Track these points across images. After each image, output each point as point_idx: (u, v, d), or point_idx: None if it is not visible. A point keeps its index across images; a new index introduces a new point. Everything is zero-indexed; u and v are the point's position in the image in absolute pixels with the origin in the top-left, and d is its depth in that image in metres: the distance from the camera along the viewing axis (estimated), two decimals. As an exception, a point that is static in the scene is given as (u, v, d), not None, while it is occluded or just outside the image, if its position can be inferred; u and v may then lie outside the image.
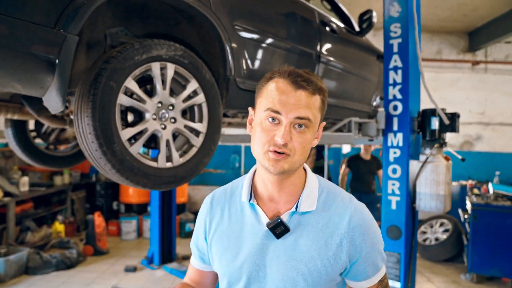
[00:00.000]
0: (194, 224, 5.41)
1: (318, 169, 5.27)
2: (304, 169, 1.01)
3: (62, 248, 4.69)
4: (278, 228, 0.93)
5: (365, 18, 3.21)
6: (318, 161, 5.55)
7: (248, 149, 7.20)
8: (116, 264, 4.59)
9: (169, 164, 1.70)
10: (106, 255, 4.93)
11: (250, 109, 1.00)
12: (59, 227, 5.29)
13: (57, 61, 1.34)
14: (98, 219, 4.92)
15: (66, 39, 1.35)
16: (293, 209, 0.95)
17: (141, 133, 1.64)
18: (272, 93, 0.90)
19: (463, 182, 5.97)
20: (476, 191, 5.03)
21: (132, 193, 6.06)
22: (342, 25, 3.09)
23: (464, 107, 7.10)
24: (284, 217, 0.95)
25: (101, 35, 1.80)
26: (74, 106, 1.54)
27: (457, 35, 7.33)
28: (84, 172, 6.30)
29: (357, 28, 3.28)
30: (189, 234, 5.93)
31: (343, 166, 5.23)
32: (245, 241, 0.97)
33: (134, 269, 4.34)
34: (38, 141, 2.82)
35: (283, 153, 0.88)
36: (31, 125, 2.77)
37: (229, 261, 0.98)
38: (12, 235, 4.56)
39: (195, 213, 6.36)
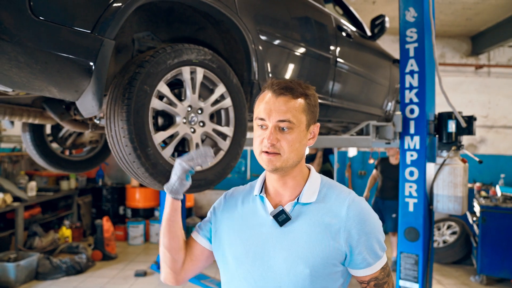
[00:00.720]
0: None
1: (324, 173, 5.27)
2: (309, 169, 1.14)
3: (71, 253, 4.67)
4: (281, 216, 1.04)
5: (377, 23, 3.24)
6: (324, 164, 5.56)
7: (245, 152, 7.22)
8: (125, 269, 4.58)
9: (198, 168, 1.71)
10: (114, 260, 4.92)
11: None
12: (66, 232, 5.27)
13: (94, 65, 1.35)
14: (106, 224, 4.91)
15: (103, 44, 1.36)
16: (295, 200, 1.07)
17: (171, 136, 1.65)
18: (260, 104, 1.06)
19: (469, 185, 6.00)
20: (484, 193, 5.05)
21: (138, 198, 6.06)
22: (355, 29, 3.12)
23: (467, 111, 7.12)
24: (287, 207, 1.07)
25: (129, 40, 1.82)
26: (106, 110, 1.55)
27: (460, 39, 7.39)
28: (90, 177, 6.30)
29: (368, 33, 3.32)
30: (196, 239, 5.92)
31: (374, 171, 5.21)
32: (253, 228, 1.09)
33: (144, 274, 4.34)
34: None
35: (273, 153, 1.02)
36: (47, 129, 2.77)
37: (237, 244, 1.10)
38: (21, 241, 4.55)
39: (202, 218, 6.36)
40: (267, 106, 1.03)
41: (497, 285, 4.35)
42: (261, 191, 1.13)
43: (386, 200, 4.79)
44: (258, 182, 1.16)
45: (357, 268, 1.04)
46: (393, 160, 4.95)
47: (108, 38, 1.37)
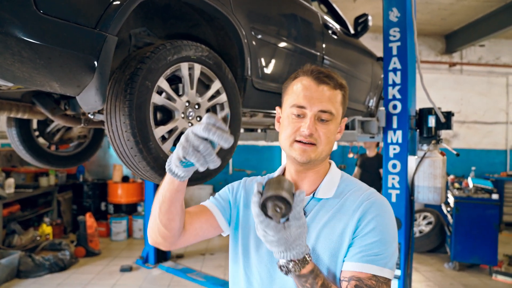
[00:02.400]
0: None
1: None
2: (330, 163, 1.07)
3: (53, 250, 4.60)
4: None
5: (361, 21, 3.34)
6: None
7: (238, 148, 7.25)
8: (110, 265, 4.56)
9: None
10: (98, 256, 4.88)
11: (277, 108, 1.08)
12: (46, 229, 5.18)
13: (97, 61, 1.37)
14: (89, 220, 4.87)
15: (106, 40, 1.38)
16: (311, 195, 1.01)
17: (170, 131, 1.69)
18: (297, 90, 0.97)
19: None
20: (457, 185, 5.31)
21: (121, 194, 6.01)
22: (339, 27, 3.22)
23: (442, 106, 7.43)
24: None
25: (126, 35, 1.84)
26: (106, 105, 1.57)
27: (435, 37, 7.66)
28: (71, 173, 6.19)
29: (352, 31, 3.42)
30: (179, 233, 5.94)
31: (356, 168, 5.35)
32: None
33: (129, 269, 4.33)
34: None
35: (309, 143, 0.95)
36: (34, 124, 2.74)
37: (249, 237, 1.04)
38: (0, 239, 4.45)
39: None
40: (307, 93, 0.95)
41: (468, 270, 4.61)
42: None
43: None
44: (276, 174, 1.10)
45: (346, 260, 0.91)
46: (370, 153, 5.14)
47: (111, 34, 1.39)
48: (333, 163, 1.08)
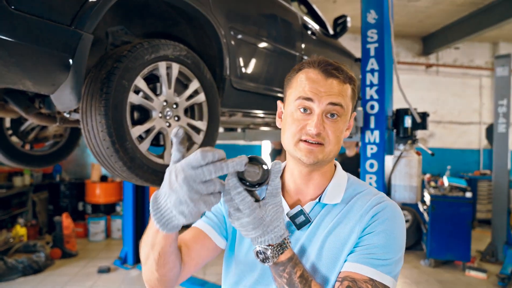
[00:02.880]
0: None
1: None
2: (335, 165, 0.98)
3: (28, 252, 4.48)
4: (299, 218, 0.89)
5: (340, 22, 3.40)
6: None
7: (216, 147, 7.21)
8: (87, 266, 4.47)
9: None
10: (75, 257, 4.78)
11: (279, 102, 0.98)
12: (20, 230, 5.03)
13: (73, 59, 1.35)
14: (66, 221, 4.76)
15: (82, 38, 1.36)
16: (317, 200, 0.91)
17: (147, 131, 1.67)
18: (302, 83, 0.87)
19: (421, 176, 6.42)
20: (433, 184, 5.45)
21: (99, 193, 5.90)
22: (318, 28, 3.26)
23: (419, 107, 7.60)
24: (306, 208, 0.90)
25: (103, 34, 1.81)
26: (82, 104, 1.54)
27: (412, 39, 7.84)
28: (47, 172, 6.04)
29: (331, 31, 3.47)
30: (159, 233, 5.88)
31: None
32: None
33: (107, 270, 4.26)
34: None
35: (316, 143, 0.85)
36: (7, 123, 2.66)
37: (246, 250, 0.93)
38: (-29, 241, 4.30)
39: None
40: (314, 86, 0.85)
41: (443, 266, 4.74)
42: None
43: None
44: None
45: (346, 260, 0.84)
46: (349, 152, 5.21)
47: (87, 32, 1.37)
48: (338, 165, 0.99)
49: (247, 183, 0.73)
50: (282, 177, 0.98)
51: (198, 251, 0.97)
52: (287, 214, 0.90)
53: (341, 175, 0.96)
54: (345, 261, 0.83)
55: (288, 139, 0.88)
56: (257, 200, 0.75)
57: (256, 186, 0.74)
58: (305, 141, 0.85)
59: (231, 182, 0.73)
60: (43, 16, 1.26)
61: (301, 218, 0.89)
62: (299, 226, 0.89)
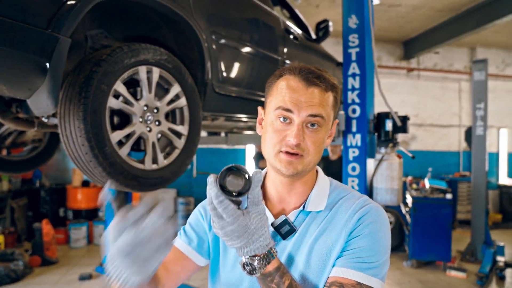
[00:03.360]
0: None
1: None
2: (316, 171, 0.97)
3: (5, 260, 4.35)
4: (284, 228, 0.88)
5: (322, 27, 3.44)
6: None
7: (200, 151, 7.18)
8: (68, 274, 4.38)
9: (155, 166, 1.74)
10: (55, 264, 4.67)
11: (259, 108, 0.97)
12: (-2, 238, 4.90)
13: (49, 63, 1.33)
14: (46, 227, 4.65)
15: (59, 41, 1.34)
16: (300, 208, 0.90)
17: (127, 135, 1.65)
18: (282, 91, 0.85)
19: (403, 178, 6.53)
20: (415, 186, 5.54)
21: (81, 198, 5.79)
22: (301, 32, 3.29)
23: (400, 110, 7.71)
24: (291, 216, 0.89)
25: (81, 37, 1.78)
26: (60, 109, 1.52)
27: (394, 44, 7.98)
28: (26, 178, 5.90)
29: (313, 36, 3.50)
30: (142, 239, 5.80)
31: None
32: None
33: (89, 277, 4.18)
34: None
35: (296, 154, 0.84)
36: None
37: (230, 265, 0.92)
38: None
39: (148, 217, 6.23)
40: (295, 96, 0.83)
41: (424, 267, 4.82)
42: None
43: None
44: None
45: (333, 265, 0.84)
46: (332, 156, 5.25)
47: (65, 36, 1.35)
48: (320, 170, 0.98)
49: (228, 192, 0.74)
50: (263, 186, 0.97)
51: (178, 273, 0.97)
52: (271, 224, 0.89)
53: (323, 181, 0.95)
54: (333, 266, 0.83)
55: (268, 149, 0.87)
56: (239, 209, 0.75)
57: (237, 195, 0.74)
58: (286, 152, 0.84)
59: (212, 191, 0.73)
60: (18, 18, 1.23)
61: (286, 228, 0.88)
62: (285, 236, 0.88)
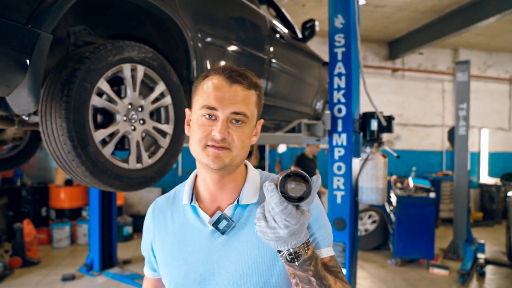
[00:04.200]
0: (132, 227, 5.28)
1: (260, 169, 5.48)
2: (245, 165, 1.00)
3: (-16, 261, 4.24)
4: (221, 223, 0.91)
5: (308, 26, 3.44)
6: (260, 161, 5.74)
7: (186, 150, 7.12)
8: (50, 274, 4.29)
9: (139, 165, 1.71)
10: (37, 265, 4.57)
11: (186, 110, 0.99)
12: (-23, 238, 4.78)
13: (29, 60, 1.29)
14: (27, 227, 4.55)
15: (40, 37, 1.31)
16: (235, 202, 0.93)
17: (111, 134, 1.63)
18: (207, 90, 0.88)
19: (387, 177, 6.61)
20: (399, 185, 5.62)
21: (64, 198, 5.68)
22: (287, 31, 3.29)
23: (385, 110, 7.83)
24: (227, 212, 0.92)
25: (63, 33, 1.74)
26: (41, 107, 1.48)
27: (379, 44, 8.06)
28: (7, 177, 5.75)
29: (300, 35, 3.51)
30: (127, 238, 5.74)
31: (292, 167, 5.48)
32: (190, 245, 0.93)
33: (72, 278, 4.11)
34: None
35: (222, 148, 0.87)
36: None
37: (174, 268, 0.94)
38: None
39: (132, 216, 6.16)
40: (219, 94, 0.87)
41: (408, 265, 4.89)
42: (191, 200, 0.96)
43: None
44: (186, 189, 0.98)
45: None
46: (310, 154, 5.33)
47: (45, 32, 1.32)
48: (249, 164, 1.01)
49: (290, 198, 0.75)
50: (195, 186, 0.99)
51: None
52: (208, 222, 0.92)
53: (253, 174, 0.99)
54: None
55: (195, 145, 0.90)
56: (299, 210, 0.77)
57: (298, 200, 0.76)
58: (212, 146, 0.87)
59: (274, 198, 0.74)
60: (-5, 14, 1.19)
61: (224, 223, 0.91)
62: (223, 231, 0.91)
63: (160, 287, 1.09)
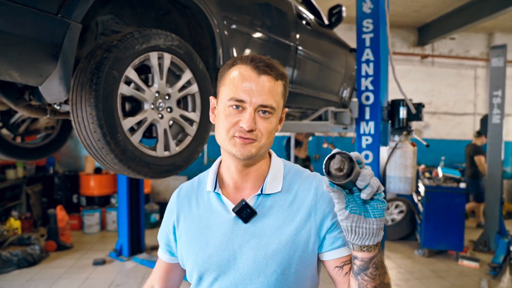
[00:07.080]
0: (159, 215, 5.36)
1: (307, 159, 5.54)
2: (269, 154, 1.01)
3: (22, 245, 4.45)
4: (244, 211, 0.92)
5: (335, 12, 3.35)
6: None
7: (211, 138, 7.17)
8: (82, 258, 4.46)
9: (167, 153, 1.73)
10: (70, 249, 4.76)
11: (211, 98, 0.99)
12: (14, 223, 4.99)
13: (60, 49, 1.32)
14: (60, 213, 4.73)
15: (69, 27, 1.33)
16: (259, 191, 0.94)
17: (139, 122, 1.65)
18: (234, 81, 0.88)
19: (416, 167, 6.45)
20: (427, 174, 5.47)
21: (93, 185, 5.87)
22: (313, 17, 3.22)
23: (413, 97, 7.61)
24: (250, 201, 0.93)
25: (92, 23, 1.77)
26: (72, 96, 1.51)
27: (408, 29, 7.79)
28: (40, 165, 5.99)
29: (326, 21, 3.43)
30: (154, 225, 5.87)
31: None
32: (214, 230, 0.94)
33: (103, 262, 4.25)
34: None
35: (249, 139, 0.87)
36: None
37: (198, 252, 0.95)
38: (-36, 234, 4.27)
39: (159, 204, 6.29)
40: (247, 85, 0.87)
41: (436, 256, 4.78)
42: (215, 187, 0.98)
43: None
44: (210, 176, 1.00)
45: (331, 249, 0.90)
46: (301, 154, 5.30)
47: (75, 21, 1.33)
48: (273, 153, 1.02)
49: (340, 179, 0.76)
50: (219, 173, 1.01)
51: (175, 280, 1.14)
52: (232, 210, 0.93)
53: (277, 163, 1.00)
54: (321, 246, 0.91)
55: (222, 134, 0.90)
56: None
57: (346, 177, 0.77)
58: (239, 137, 0.88)
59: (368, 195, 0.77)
60: (28, 4, 1.22)
61: (247, 211, 0.92)
62: (246, 219, 0.92)
63: (173, 271, 1.11)
